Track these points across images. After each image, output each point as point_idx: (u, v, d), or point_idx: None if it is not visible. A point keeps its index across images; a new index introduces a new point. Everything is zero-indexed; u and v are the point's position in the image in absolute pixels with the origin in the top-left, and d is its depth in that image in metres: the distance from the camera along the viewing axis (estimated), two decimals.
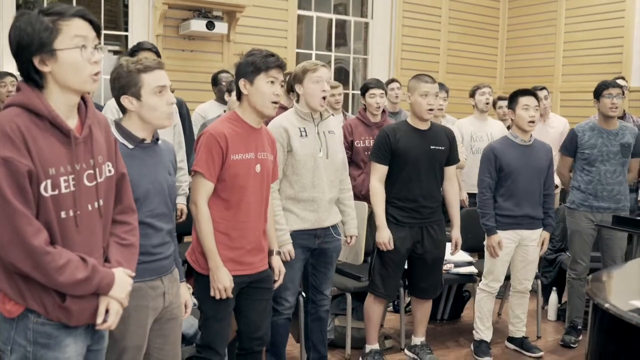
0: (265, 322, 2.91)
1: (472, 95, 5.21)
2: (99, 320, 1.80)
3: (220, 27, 6.30)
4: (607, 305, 1.83)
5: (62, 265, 1.68)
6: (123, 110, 2.28)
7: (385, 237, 3.58)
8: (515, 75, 8.31)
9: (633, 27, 7.17)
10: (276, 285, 2.93)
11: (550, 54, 8.00)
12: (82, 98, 1.83)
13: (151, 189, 2.23)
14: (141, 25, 6.31)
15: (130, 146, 2.23)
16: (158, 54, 3.84)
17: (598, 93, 4.06)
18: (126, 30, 6.46)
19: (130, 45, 6.30)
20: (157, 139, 2.32)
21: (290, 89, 3.92)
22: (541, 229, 3.97)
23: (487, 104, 5.19)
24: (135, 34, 6.21)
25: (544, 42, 8.08)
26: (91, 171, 1.80)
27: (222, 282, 2.64)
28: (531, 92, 3.91)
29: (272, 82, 2.69)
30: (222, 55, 6.66)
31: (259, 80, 2.69)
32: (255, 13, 6.76)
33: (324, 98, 3.23)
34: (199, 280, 2.73)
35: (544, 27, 8.08)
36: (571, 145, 4.15)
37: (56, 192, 1.71)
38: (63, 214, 1.73)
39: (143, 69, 2.20)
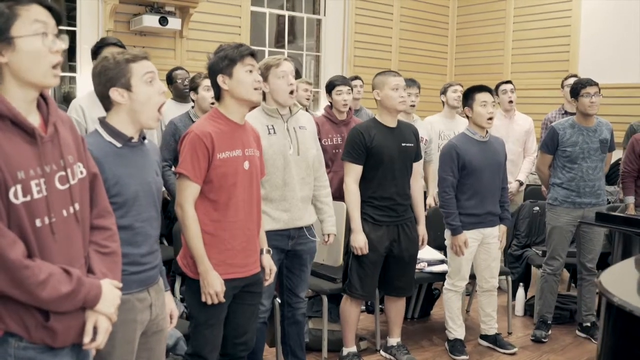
0: (251, 326, 2.81)
1: (444, 92, 5.18)
2: (87, 339, 1.63)
3: (174, 23, 6.11)
4: (625, 304, 1.81)
5: (43, 279, 1.51)
6: (107, 107, 2.12)
7: (361, 241, 3.52)
8: (466, 72, 8.39)
9: (579, 26, 7.36)
10: (267, 283, 2.83)
11: (499, 52, 8.14)
12: (41, 95, 1.65)
13: (140, 191, 2.08)
14: (90, 21, 6.03)
15: (118, 145, 2.07)
16: (124, 49, 3.65)
17: (576, 92, 4.09)
18: (70, 25, 6.15)
19: (78, 41, 6.07)
20: (144, 138, 2.17)
21: None
22: (499, 225, 3.97)
23: (458, 100, 5.18)
24: (84, 30, 5.94)
25: (493, 40, 8.21)
26: (62, 173, 1.62)
27: (213, 287, 2.52)
28: (487, 88, 3.90)
29: (250, 70, 2.60)
30: (175, 52, 6.47)
31: (236, 71, 2.59)
32: (208, 9, 6.60)
33: (291, 92, 3.14)
34: (189, 286, 2.61)
35: (493, 26, 8.21)
36: (552, 143, 4.16)
37: (28, 197, 1.52)
38: (38, 222, 1.54)
39: (132, 58, 2.06)
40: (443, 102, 5.19)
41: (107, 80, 2.05)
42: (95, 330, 1.65)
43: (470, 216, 3.84)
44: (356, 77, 5.56)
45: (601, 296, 1.93)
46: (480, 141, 3.86)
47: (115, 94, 2.05)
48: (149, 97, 2.07)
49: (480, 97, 3.80)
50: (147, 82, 2.07)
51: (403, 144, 3.62)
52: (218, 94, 2.67)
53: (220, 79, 2.61)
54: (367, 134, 3.57)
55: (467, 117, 3.92)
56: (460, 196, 3.84)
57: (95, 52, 3.54)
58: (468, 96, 3.87)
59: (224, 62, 2.60)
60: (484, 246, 3.93)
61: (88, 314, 1.64)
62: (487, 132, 3.91)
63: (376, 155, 3.55)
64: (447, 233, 3.91)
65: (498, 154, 3.92)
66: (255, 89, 2.61)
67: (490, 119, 3.81)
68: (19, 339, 1.55)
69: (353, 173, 3.59)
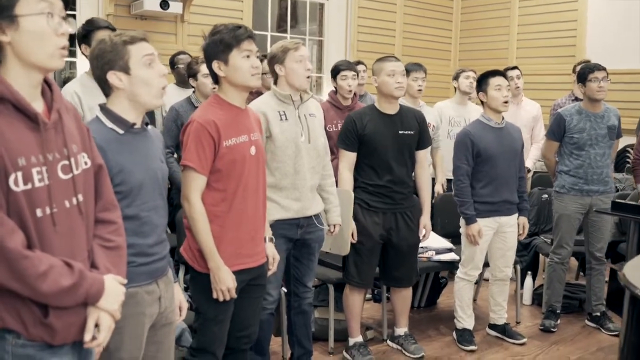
0: (255, 319, 2.74)
1: (456, 78, 5.10)
2: (88, 337, 1.56)
3: (175, 7, 6.00)
4: None
5: (44, 271, 1.44)
6: (106, 92, 2.04)
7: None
8: (470, 57, 8.28)
9: (586, 10, 7.23)
10: (270, 273, 2.75)
11: (504, 37, 8.02)
12: (46, 81, 1.58)
13: (145, 179, 2.00)
14: (90, 4, 5.94)
15: (121, 131, 1.98)
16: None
17: (583, 77, 4.00)
18: (70, 9, 6.04)
19: (78, 26, 5.95)
20: (147, 124, 2.09)
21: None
22: (517, 214, 3.90)
23: (470, 86, 5.09)
24: (84, 14, 5.81)
25: (498, 24, 8.09)
26: (66, 162, 1.55)
27: (225, 283, 2.43)
28: (501, 72, 3.83)
29: (248, 56, 2.46)
30: (176, 37, 6.37)
31: (233, 57, 2.45)
32: None
33: (307, 77, 3.05)
34: (197, 280, 2.51)
35: (498, 10, 8.09)
36: (559, 130, 4.08)
37: (29, 186, 1.45)
38: (39, 212, 1.47)
39: (129, 40, 1.97)
40: (455, 87, 5.11)
41: (105, 64, 1.97)
42: (97, 328, 1.58)
43: (486, 204, 3.76)
44: (359, 62, 5.45)
45: (625, 290, 1.85)
46: (495, 128, 3.78)
47: (113, 77, 1.97)
48: (148, 80, 1.98)
49: (495, 81, 3.73)
50: (146, 64, 1.97)
51: (400, 132, 3.53)
52: (216, 79, 2.56)
53: (215, 65, 2.49)
54: (359, 121, 3.49)
55: (482, 102, 3.84)
56: (475, 184, 3.77)
57: (85, 35, 3.30)
58: (482, 81, 3.79)
59: (219, 47, 2.46)
60: (500, 235, 3.86)
61: (90, 310, 1.57)
62: (502, 118, 3.82)
63: (368, 142, 3.47)
64: (462, 221, 3.84)
65: (514, 140, 3.84)
66: (253, 74, 2.48)
67: (506, 102, 3.73)
68: (16, 335, 1.48)
69: (346, 160, 3.52)
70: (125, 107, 2.00)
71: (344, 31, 7.71)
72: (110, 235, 1.71)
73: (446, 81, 7.63)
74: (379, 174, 3.50)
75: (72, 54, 6.11)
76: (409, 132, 3.55)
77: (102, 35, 3.37)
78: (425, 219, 3.70)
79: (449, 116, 4.95)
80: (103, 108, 2.02)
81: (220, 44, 2.45)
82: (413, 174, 3.69)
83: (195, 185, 2.42)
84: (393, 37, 7.99)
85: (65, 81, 6.29)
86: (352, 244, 3.50)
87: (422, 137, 3.63)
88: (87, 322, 1.56)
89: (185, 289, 3.25)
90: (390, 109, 3.54)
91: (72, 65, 6.23)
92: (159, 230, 2.07)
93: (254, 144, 2.53)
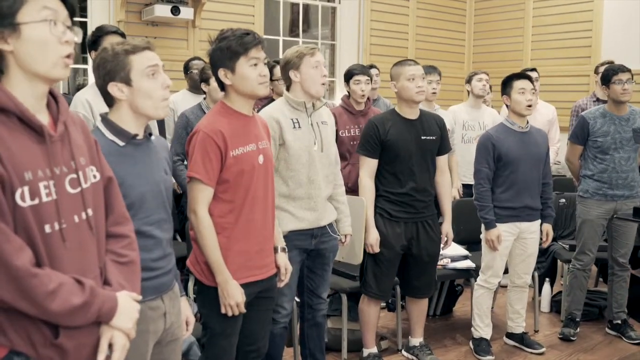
0: (264, 333, 2.67)
1: (469, 81, 5.02)
2: (101, 357, 1.50)
3: (186, 13, 5.97)
4: None
5: (53, 289, 1.37)
6: (109, 102, 1.98)
7: (373, 238, 3.37)
8: (484, 60, 8.18)
9: (602, 11, 7.11)
10: (282, 284, 2.66)
11: (518, 39, 7.91)
12: (51, 93, 1.53)
13: (147, 192, 1.93)
14: (101, 11, 5.92)
15: (122, 143, 1.92)
16: (124, 37, 3.47)
17: (607, 79, 3.91)
18: (81, 16, 6.03)
19: (90, 32, 5.93)
20: (150, 134, 2.03)
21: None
22: (539, 221, 3.81)
23: (484, 89, 5.01)
24: (95, 20, 5.81)
25: (512, 26, 7.98)
26: (74, 175, 1.49)
27: (234, 298, 2.35)
28: (526, 76, 3.76)
29: (255, 64, 2.38)
30: (188, 42, 6.34)
31: (239, 66, 2.37)
32: None
33: (322, 84, 2.98)
34: (204, 293, 2.44)
35: (512, 12, 7.98)
36: (582, 133, 3.99)
37: (36, 201, 1.39)
38: (47, 228, 1.41)
39: (131, 49, 1.90)
40: (468, 91, 5.03)
41: (106, 74, 1.91)
42: (110, 348, 1.52)
43: (506, 209, 3.68)
44: (372, 66, 5.38)
45: None
46: (518, 132, 3.70)
47: (114, 89, 1.90)
48: (150, 92, 1.91)
49: (518, 84, 3.65)
50: (149, 75, 1.90)
51: (423, 137, 3.44)
52: (222, 86, 2.49)
53: (222, 73, 2.41)
54: (381, 126, 3.40)
55: (506, 106, 3.77)
56: (496, 189, 3.69)
57: (95, 41, 3.26)
58: (506, 84, 3.72)
59: (225, 54, 2.38)
60: (521, 241, 3.77)
61: (103, 329, 1.51)
62: (527, 122, 3.74)
63: (391, 149, 3.39)
64: (482, 227, 3.76)
65: (538, 145, 3.74)
66: (261, 83, 2.40)
67: (530, 106, 3.65)
68: (25, 358, 1.42)
69: (367, 167, 3.44)
70: (127, 118, 1.93)
71: (357, 35, 7.65)
72: (123, 250, 1.66)
73: (460, 84, 7.52)
74: (402, 181, 3.42)
75: (85, 60, 6.11)
76: (432, 138, 3.47)
77: (110, 41, 3.35)
78: (447, 227, 3.61)
79: (462, 120, 4.87)
80: (104, 119, 1.96)
81: (227, 51, 2.38)
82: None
83: (202, 197, 2.35)
84: (406, 40, 7.91)
85: (78, 88, 6.29)
86: (371, 254, 3.42)
87: (442, 143, 3.55)
88: (100, 342, 1.50)
89: (195, 300, 3.19)
90: (412, 113, 3.46)
91: (85, 72, 6.22)
92: (163, 244, 2.00)
93: (262, 153, 2.46)
